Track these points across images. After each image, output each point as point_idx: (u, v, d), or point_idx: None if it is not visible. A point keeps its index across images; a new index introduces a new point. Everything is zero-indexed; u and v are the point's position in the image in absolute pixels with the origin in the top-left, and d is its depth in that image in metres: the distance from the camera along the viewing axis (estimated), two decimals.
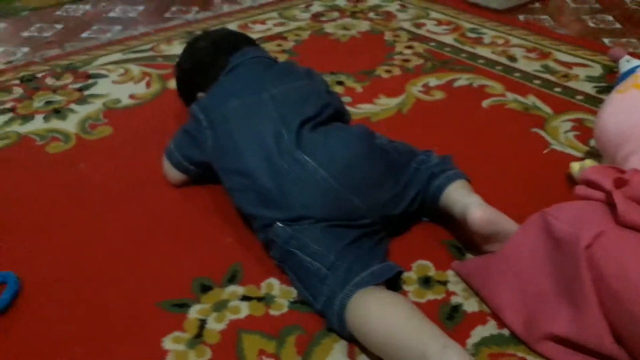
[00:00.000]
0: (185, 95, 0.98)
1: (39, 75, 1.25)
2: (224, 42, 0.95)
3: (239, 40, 0.97)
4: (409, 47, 1.34)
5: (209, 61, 0.93)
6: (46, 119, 1.08)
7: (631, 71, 0.96)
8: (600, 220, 0.57)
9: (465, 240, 0.74)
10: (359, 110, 1.07)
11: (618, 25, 1.48)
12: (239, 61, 0.89)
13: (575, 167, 0.85)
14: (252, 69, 0.89)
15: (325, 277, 0.65)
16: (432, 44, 1.36)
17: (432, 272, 0.71)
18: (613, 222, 0.56)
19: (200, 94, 0.92)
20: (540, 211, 0.62)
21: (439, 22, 1.49)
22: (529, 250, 0.62)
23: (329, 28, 1.46)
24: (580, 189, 0.62)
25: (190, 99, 0.94)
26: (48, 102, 1.14)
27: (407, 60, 1.27)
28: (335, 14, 1.55)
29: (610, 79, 1.17)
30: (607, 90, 1.12)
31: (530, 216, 0.64)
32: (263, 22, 1.50)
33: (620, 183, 0.59)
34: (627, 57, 1.03)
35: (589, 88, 1.14)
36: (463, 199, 0.71)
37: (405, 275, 0.70)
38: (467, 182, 0.76)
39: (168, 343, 0.63)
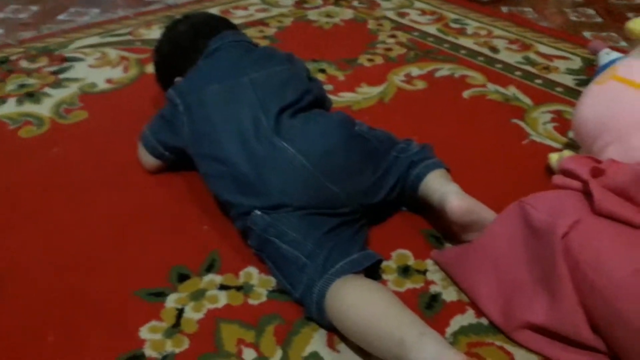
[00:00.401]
0: (163, 80, 0.96)
1: (13, 58, 1.21)
2: (204, 26, 0.93)
3: (219, 25, 0.95)
4: (392, 37, 1.33)
5: (188, 45, 0.91)
6: (19, 102, 1.05)
7: (610, 63, 0.96)
8: (576, 209, 0.57)
9: (443, 230, 0.74)
10: (340, 99, 1.07)
11: (599, 19, 1.49)
12: (218, 45, 0.88)
13: (553, 157, 0.85)
14: (231, 53, 0.87)
15: (304, 266, 0.64)
16: (416, 33, 1.35)
17: (411, 261, 0.71)
18: (589, 211, 0.57)
19: (177, 79, 0.90)
20: (518, 200, 0.63)
21: (423, 12, 1.48)
22: (507, 239, 0.63)
23: (312, 15, 1.44)
24: (558, 179, 0.63)
25: (168, 83, 0.91)
26: (21, 85, 1.11)
27: (389, 50, 1.27)
28: (319, 1, 1.53)
29: (590, 71, 1.18)
30: (586, 82, 1.12)
31: (508, 205, 0.64)
32: (245, 8, 1.48)
33: (596, 172, 0.59)
34: (606, 49, 1.04)
35: (568, 80, 1.15)
36: (441, 187, 0.71)
37: (385, 264, 0.70)
38: (446, 172, 0.76)
39: (145, 332, 0.62)
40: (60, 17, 1.46)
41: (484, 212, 0.68)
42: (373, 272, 0.68)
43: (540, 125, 0.99)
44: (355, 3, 1.53)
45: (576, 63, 1.23)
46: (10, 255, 0.73)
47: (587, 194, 0.58)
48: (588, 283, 0.52)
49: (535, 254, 0.58)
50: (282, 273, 0.67)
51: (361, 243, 0.70)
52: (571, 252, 0.54)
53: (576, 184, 0.59)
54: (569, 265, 0.54)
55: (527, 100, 1.07)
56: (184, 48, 0.91)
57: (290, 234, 0.67)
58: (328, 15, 1.45)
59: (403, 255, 0.72)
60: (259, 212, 0.69)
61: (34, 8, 1.51)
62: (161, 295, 0.66)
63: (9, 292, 0.67)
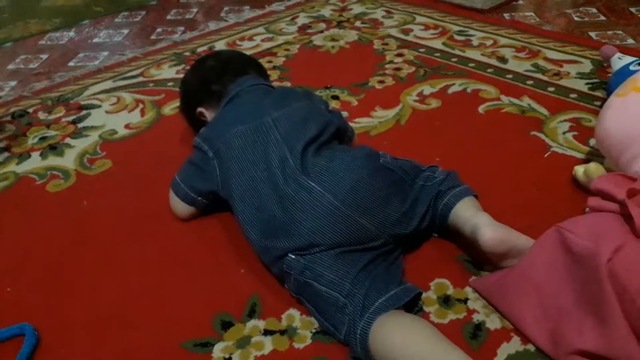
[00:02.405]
0: (187, 110, 1.01)
1: (30, 110, 1.23)
2: (232, 63, 0.98)
3: (247, 63, 1.00)
4: (399, 55, 1.34)
5: (214, 79, 0.95)
6: (43, 156, 1.07)
7: (626, 70, 0.97)
8: (617, 233, 0.57)
9: (478, 257, 0.74)
10: (357, 125, 1.07)
11: (602, 17, 1.50)
12: (237, 90, 0.90)
13: (579, 170, 0.86)
14: (251, 96, 0.90)
15: (343, 306, 0.65)
16: (422, 50, 1.36)
17: (450, 290, 0.71)
18: (630, 234, 0.57)
19: (199, 109, 0.95)
20: (555, 226, 0.63)
21: (426, 27, 1.49)
22: (547, 265, 0.63)
23: (317, 40, 1.46)
24: (593, 201, 0.63)
25: (192, 114, 0.98)
26: (42, 138, 1.12)
27: (398, 69, 1.28)
28: (322, 25, 1.55)
29: (601, 74, 1.18)
30: (599, 86, 1.14)
31: (546, 231, 0.64)
32: (251, 39, 1.50)
33: (632, 193, 0.60)
34: (618, 54, 1.05)
35: (581, 85, 1.16)
36: (472, 218, 0.72)
37: (425, 295, 0.70)
38: (474, 199, 0.77)
39: None
40: (71, 63, 1.48)
41: (517, 239, 0.68)
42: (413, 304, 0.68)
43: (560, 135, 1.00)
44: (358, 24, 1.54)
45: (586, 66, 1.23)
46: (48, 314, 0.73)
47: (625, 215, 0.58)
48: (637, 308, 0.53)
49: (580, 280, 0.59)
50: (323, 315, 0.67)
51: (398, 275, 0.71)
52: (617, 278, 0.54)
53: (612, 205, 0.60)
54: (616, 291, 0.54)
55: (543, 110, 1.08)
56: (210, 81, 0.95)
57: (326, 275, 0.67)
58: (333, 39, 1.46)
59: (442, 284, 0.72)
60: (293, 256, 0.69)
61: (44, 56, 1.54)
62: (208, 345, 0.67)
63: (55, 357, 0.68)
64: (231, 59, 1.01)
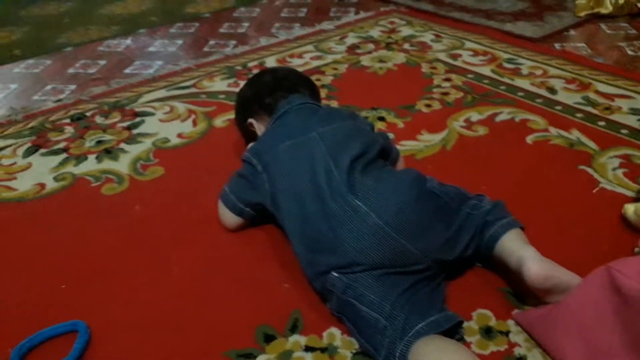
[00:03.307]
0: (239, 120, 1.06)
1: (88, 114, 1.29)
2: (286, 80, 1.03)
3: (299, 81, 1.04)
4: (447, 80, 1.35)
5: (267, 93, 1.00)
6: (99, 159, 1.12)
7: None
8: None
9: (522, 291, 0.74)
10: (402, 147, 1.08)
11: None
12: (286, 109, 0.94)
13: (629, 209, 0.84)
14: (298, 114, 0.93)
15: (384, 329, 0.66)
16: (470, 75, 1.37)
17: (492, 321, 0.71)
18: None
19: (250, 120, 1.00)
20: (605, 265, 0.62)
21: (475, 53, 1.50)
22: (593, 304, 0.62)
23: (365, 61, 1.48)
24: None
25: (243, 123, 1.02)
26: (99, 142, 1.17)
27: (446, 94, 1.29)
28: (371, 46, 1.57)
29: None
30: None
31: (594, 270, 0.64)
32: (300, 56, 1.53)
33: None
34: None
35: (633, 121, 1.14)
36: (518, 251, 0.72)
37: (467, 324, 0.71)
38: (521, 232, 0.77)
39: None
40: (127, 70, 1.55)
41: (563, 276, 0.68)
42: (454, 332, 0.68)
43: (609, 171, 0.99)
44: (407, 46, 1.56)
45: (638, 102, 1.21)
46: (98, 310, 0.77)
47: None
48: None
49: (628, 322, 0.58)
50: (363, 336, 0.68)
51: (440, 301, 0.71)
52: None
53: None
54: None
55: (592, 144, 1.07)
56: (263, 94, 1.00)
57: (368, 295, 0.68)
58: (381, 60, 1.48)
59: (484, 315, 0.72)
60: (336, 274, 0.71)
61: (102, 62, 1.61)
62: (250, 356, 0.69)
63: (104, 354, 0.71)
64: (286, 76, 1.05)
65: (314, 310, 0.75)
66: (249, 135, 1.02)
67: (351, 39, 1.62)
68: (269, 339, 0.71)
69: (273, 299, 0.77)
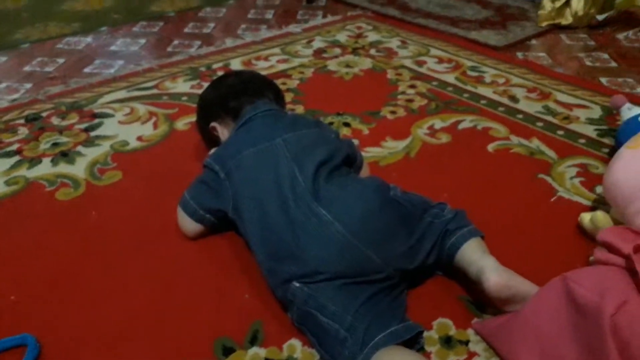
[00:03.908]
0: (201, 123, 1.02)
1: (44, 114, 1.25)
2: (251, 84, 1.00)
3: (265, 86, 1.02)
4: (412, 87, 1.36)
5: (232, 96, 0.97)
6: (54, 162, 1.08)
7: (635, 121, 0.99)
8: (622, 288, 0.58)
9: (482, 299, 0.74)
10: (367, 154, 1.08)
11: (614, 64, 1.52)
12: (251, 115, 0.92)
13: (585, 217, 0.86)
14: (264, 120, 0.91)
15: (344, 340, 0.65)
16: (435, 83, 1.38)
17: (452, 331, 0.72)
18: (635, 290, 0.58)
19: (213, 124, 0.97)
20: (561, 275, 0.64)
21: (440, 60, 1.51)
22: (550, 314, 0.63)
23: (332, 65, 1.48)
24: (599, 253, 0.64)
25: (205, 127, 0.99)
26: (55, 144, 1.13)
27: (410, 101, 1.29)
28: (337, 50, 1.57)
29: (610, 121, 1.20)
30: (608, 133, 1.16)
31: (551, 280, 0.65)
32: (266, 59, 1.52)
33: (639, 248, 0.60)
34: (628, 104, 1.07)
35: (590, 131, 1.17)
36: (478, 261, 0.72)
37: (427, 334, 0.71)
38: (481, 241, 0.77)
39: None
40: (86, 69, 1.50)
41: (522, 286, 0.69)
42: (414, 342, 0.68)
43: (567, 180, 1.01)
44: (373, 52, 1.56)
45: (596, 112, 1.25)
46: (49, 323, 0.74)
47: (630, 270, 0.59)
48: None
49: (582, 332, 0.59)
50: (324, 347, 0.68)
51: (401, 311, 0.71)
52: (620, 333, 0.55)
53: (618, 259, 0.61)
54: (617, 346, 0.55)
55: (551, 153, 1.09)
56: (227, 99, 0.97)
57: (329, 306, 0.68)
58: (347, 65, 1.48)
59: (444, 324, 0.73)
60: (297, 284, 0.70)
61: (60, 60, 1.56)
62: None
63: None
64: (251, 79, 1.03)
65: (275, 321, 0.74)
66: (210, 139, 1.00)
67: (318, 43, 1.62)
68: (227, 351, 0.69)
69: (233, 309, 0.76)
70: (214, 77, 1.10)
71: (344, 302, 0.68)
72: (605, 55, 1.57)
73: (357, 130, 1.18)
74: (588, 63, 1.52)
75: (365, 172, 0.97)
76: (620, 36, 1.70)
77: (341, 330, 0.66)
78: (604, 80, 1.42)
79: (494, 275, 0.69)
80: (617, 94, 1.17)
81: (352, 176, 0.85)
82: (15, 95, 1.34)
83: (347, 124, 1.19)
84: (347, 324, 0.66)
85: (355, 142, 1.11)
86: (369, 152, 1.09)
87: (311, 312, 0.68)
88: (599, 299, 0.58)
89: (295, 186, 0.76)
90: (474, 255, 0.74)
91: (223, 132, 0.97)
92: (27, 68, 1.50)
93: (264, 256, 0.76)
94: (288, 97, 1.30)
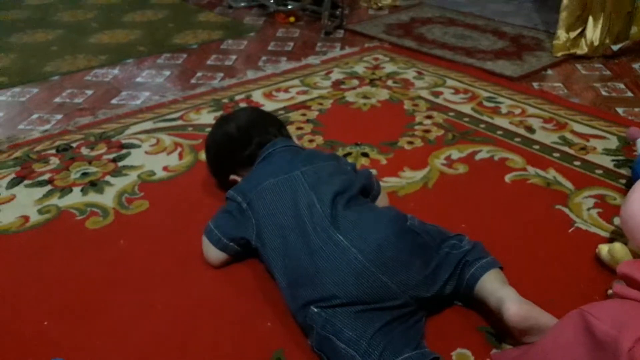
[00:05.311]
0: (219, 178, 1.06)
1: (74, 145, 1.30)
2: (257, 127, 1.02)
3: (265, 122, 1.04)
4: (429, 117, 1.39)
5: (240, 147, 1.00)
6: (84, 191, 1.12)
7: None
8: None
9: (501, 330, 0.76)
10: (385, 184, 1.11)
11: (630, 94, 1.53)
12: (270, 151, 0.96)
13: (603, 249, 0.87)
14: (283, 155, 0.95)
15: None
16: (451, 113, 1.41)
17: None
18: None
19: (232, 177, 1.00)
20: (579, 309, 0.64)
21: (456, 91, 1.54)
22: (568, 346, 0.64)
23: (350, 96, 1.52)
24: (618, 287, 0.65)
25: (224, 179, 1.03)
26: (84, 174, 1.18)
27: (427, 131, 1.32)
28: (355, 82, 1.61)
29: (627, 151, 1.21)
30: (625, 163, 1.17)
31: (569, 312, 0.66)
32: (286, 90, 1.56)
33: None
34: None
35: (607, 161, 1.18)
36: (497, 291, 0.74)
37: None
38: (500, 272, 0.79)
39: None
40: (113, 101, 1.56)
41: (542, 317, 0.70)
42: None
43: (584, 211, 1.02)
44: (390, 83, 1.60)
45: (612, 142, 1.26)
46: (79, 348, 0.76)
47: None
48: None
49: None
50: None
51: (417, 339, 0.73)
52: None
53: (637, 294, 0.61)
54: None
55: (568, 184, 1.10)
56: (237, 151, 1.00)
57: (346, 332, 0.70)
58: (365, 96, 1.52)
59: (463, 355, 0.74)
60: (316, 309, 0.73)
61: (89, 92, 1.62)
62: None
63: None
64: (252, 122, 1.03)
65: (297, 350, 0.75)
66: (229, 185, 1.00)
67: (336, 74, 1.66)
68: None
69: (256, 338, 0.78)
70: (236, 108, 1.12)
71: (361, 328, 0.70)
72: (621, 85, 1.58)
73: (375, 160, 1.20)
74: (604, 93, 1.54)
75: (384, 201, 1.00)
76: (636, 66, 1.72)
77: (357, 356, 0.68)
78: (620, 110, 1.43)
79: (514, 305, 0.70)
80: (633, 124, 1.19)
81: (370, 205, 0.88)
82: (47, 126, 1.40)
83: (365, 154, 1.22)
84: (363, 350, 0.68)
85: (374, 172, 1.13)
86: (387, 182, 1.12)
87: (328, 336, 0.71)
88: (616, 332, 0.59)
89: (313, 214, 0.80)
90: (494, 286, 0.75)
91: (243, 175, 1.00)
92: (57, 100, 1.57)
93: (285, 282, 0.79)
94: (307, 127, 1.34)
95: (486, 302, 0.75)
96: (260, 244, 0.85)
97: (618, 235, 0.94)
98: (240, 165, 1.00)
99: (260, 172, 0.93)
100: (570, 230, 0.97)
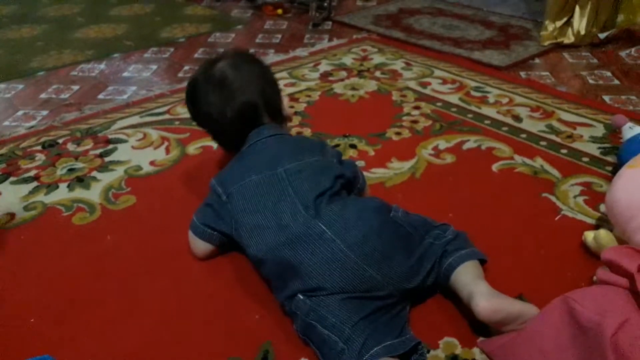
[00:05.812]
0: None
1: (60, 141, 1.29)
2: (246, 113, 0.95)
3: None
4: (416, 108, 1.39)
5: (233, 131, 0.96)
6: (70, 187, 1.11)
7: (637, 140, 1.00)
8: (623, 308, 0.59)
9: (478, 321, 0.76)
10: (373, 175, 1.11)
11: (617, 82, 1.54)
12: (257, 138, 0.93)
13: (589, 235, 0.88)
14: (269, 145, 0.92)
15: (342, 351, 0.68)
16: (439, 104, 1.41)
17: (458, 349, 0.73)
18: (637, 310, 0.59)
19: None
20: (563, 295, 0.65)
21: (444, 81, 1.54)
22: (553, 333, 0.65)
23: (338, 88, 1.51)
24: (602, 273, 0.66)
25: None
26: (70, 170, 1.17)
27: (415, 122, 1.32)
28: (343, 73, 1.60)
29: (613, 139, 1.21)
30: (611, 151, 1.17)
31: (554, 299, 0.66)
32: None
33: None
34: (629, 124, 1.08)
35: (593, 149, 1.19)
36: (468, 285, 0.74)
37: (433, 353, 0.72)
38: (477, 264, 0.79)
39: None
40: (100, 95, 1.55)
41: (512, 307, 0.71)
42: (410, 355, 0.70)
43: (571, 198, 1.02)
44: (378, 74, 1.60)
45: (599, 130, 1.26)
46: (67, 345, 0.76)
47: (633, 290, 0.61)
48: None
49: (585, 351, 0.61)
50: (325, 358, 0.71)
51: (399, 328, 0.73)
52: (621, 352, 0.56)
53: (621, 280, 0.62)
54: None
55: (555, 172, 1.11)
56: (228, 132, 0.97)
57: (329, 318, 0.71)
58: (353, 87, 1.51)
59: (450, 343, 0.74)
60: (301, 297, 0.74)
61: (75, 87, 1.60)
62: None
63: None
64: (244, 109, 0.95)
65: (286, 341, 0.76)
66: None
67: (324, 66, 1.66)
68: None
69: (244, 330, 0.78)
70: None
71: (344, 315, 0.71)
72: (608, 73, 1.59)
73: (363, 151, 1.20)
74: (591, 81, 1.55)
75: (366, 195, 0.99)
76: (623, 54, 1.72)
77: (339, 342, 0.69)
78: (607, 98, 1.44)
79: (483, 300, 0.71)
80: (620, 112, 1.19)
81: (353, 197, 0.88)
82: (33, 122, 1.39)
83: (353, 146, 1.22)
84: (346, 336, 0.69)
85: (361, 164, 1.14)
86: (375, 173, 1.12)
87: (312, 323, 0.72)
88: (600, 318, 0.59)
89: (296, 214, 0.79)
90: (466, 279, 0.76)
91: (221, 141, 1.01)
92: (43, 95, 1.55)
93: (270, 276, 0.80)
94: (296, 120, 1.33)
95: (459, 294, 0.76)
96: (239, 239, 0.84)
97: (604, 221, 0.95)
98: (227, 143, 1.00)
99: (244, 162, 0.91)
100: (556, 218, 0.98)
